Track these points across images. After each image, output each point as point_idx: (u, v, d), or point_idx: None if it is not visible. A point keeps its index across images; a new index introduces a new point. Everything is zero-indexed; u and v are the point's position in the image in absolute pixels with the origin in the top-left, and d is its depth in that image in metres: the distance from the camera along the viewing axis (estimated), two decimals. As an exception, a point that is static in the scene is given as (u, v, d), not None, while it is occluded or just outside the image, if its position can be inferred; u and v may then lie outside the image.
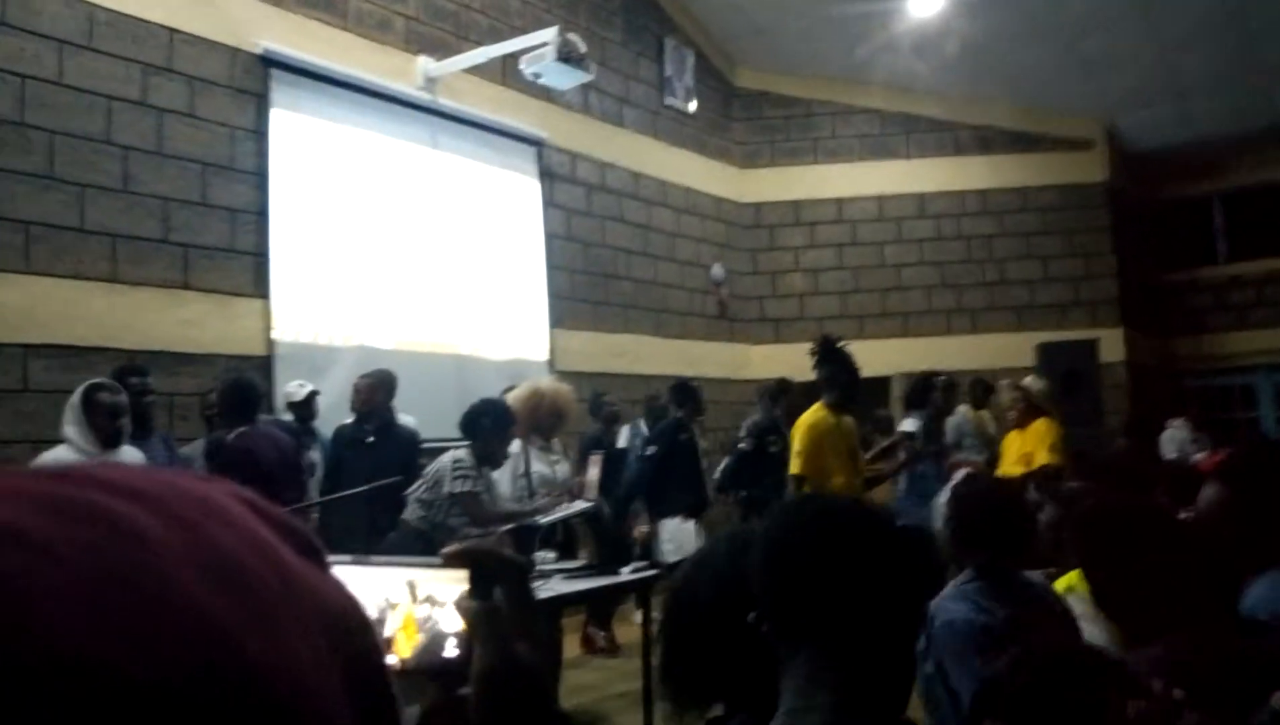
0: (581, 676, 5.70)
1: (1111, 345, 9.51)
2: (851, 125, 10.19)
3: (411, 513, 4.38)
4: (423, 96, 6.94)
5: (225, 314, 5.70)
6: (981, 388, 7.35)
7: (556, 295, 7.89)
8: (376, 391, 5.32)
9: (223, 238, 5.75)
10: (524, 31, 6.88)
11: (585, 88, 7.73)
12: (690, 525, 5.85)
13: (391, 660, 0.71)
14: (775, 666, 1.10)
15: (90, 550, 0.30)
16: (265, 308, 5.88)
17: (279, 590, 0.34)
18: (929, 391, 6.18)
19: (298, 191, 6.15)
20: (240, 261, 5.82)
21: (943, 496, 2.71)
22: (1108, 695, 1.12)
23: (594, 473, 5.12)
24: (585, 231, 8.31)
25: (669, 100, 9.32)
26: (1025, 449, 5.80)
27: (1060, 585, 2.36)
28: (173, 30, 5.60)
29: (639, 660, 4.64)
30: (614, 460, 6.21)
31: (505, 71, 7.36)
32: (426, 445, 5.41)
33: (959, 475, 3.25)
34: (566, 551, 5.22)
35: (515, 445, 4.78)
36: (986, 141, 10.14)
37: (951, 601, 2.21)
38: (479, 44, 7.05)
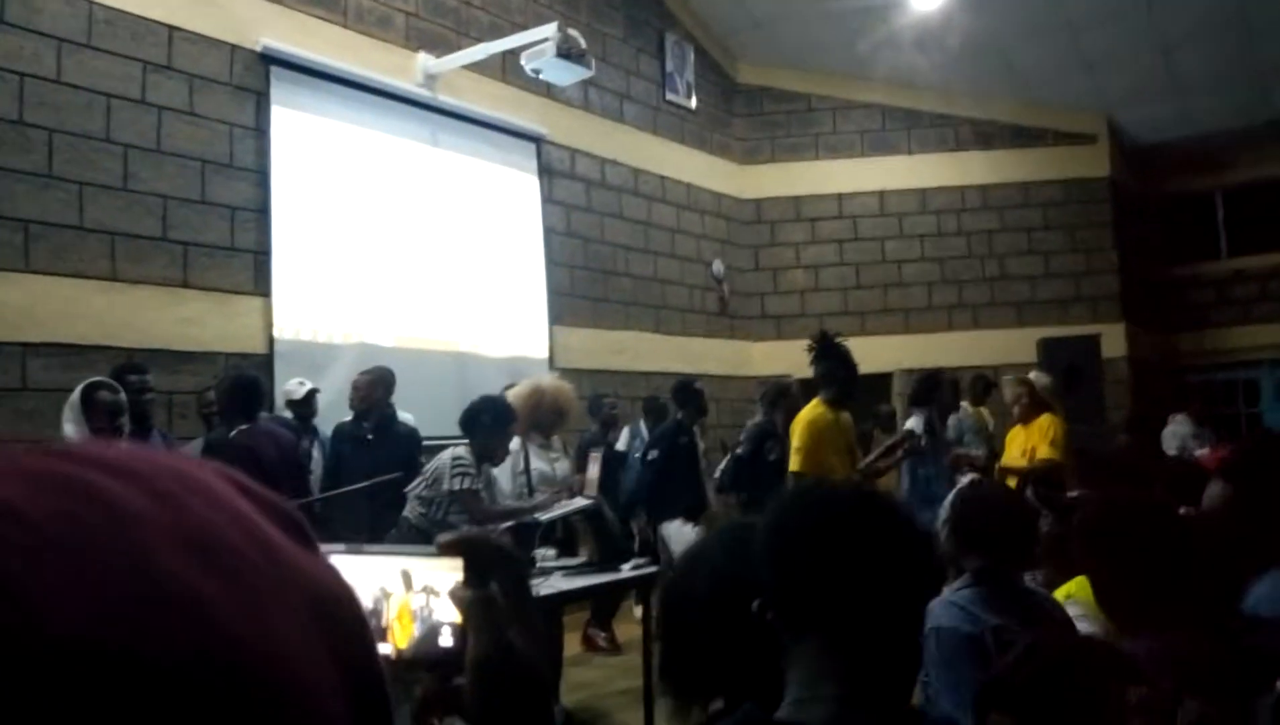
0: (583, 674, 5.70)
1: (1113, 341, 9.49)
2: (852, 120, 10.18)
3: (411, 510, 4.38)
4: (423, 93, 6.94)
5: (225, 312, 5.69)
6: (982, 384, 7.34)
7: (556, 292, 7.89)
8: (375, 389, 5.32)
9: (222, 236, 5.75)
10: (524, 27, 6.88)
11: (585, 84, 7.72)
12: (689, 528, 5.84)
13: (387, 649, 0.70)
14: (776, 658, 1.09)
15: (69, 522, 0.30)
16: (265, 305, 5.88)
17: (263, 567, 0.33)
18: (934, 389, 6.15)
19: (297, 189, 6.15)
20: (240, 259, 5.82)
21: (949, 499, 2.69)
22: (1109, 684, 1.11)
23: (594, 470, 5.11)
24: (585, 228, 8.31)
25: (669, 96, 9.31)
26: (1028, 444, 5.80)
27: (1061, 594, 2.35)
28: (172, 28, 5.60)
29: (639, 657, 4.64)
30: (613, 462, 6.21)
31: (505, 68, 7.36)
32: (427, 443, 5.41)
33: (964, 480, 3.23)
34: (567, 549, 5.21)
35: (515, 443, 4.78)
36: (988, 136, 10.13)
37: (942, 608, 2.19)
38: (479, 40, 7.05)
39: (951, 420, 6.49)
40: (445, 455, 4.41)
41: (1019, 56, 9.18)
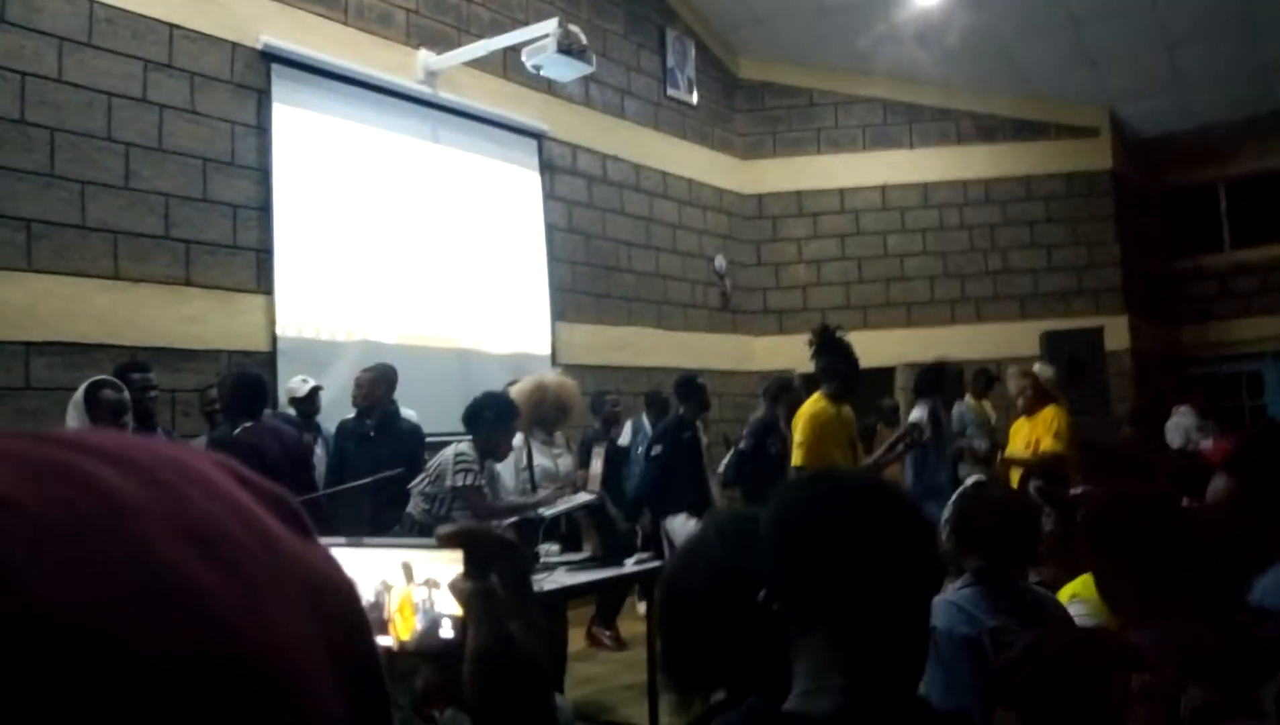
0: (587, 669, 5.71)
1: (1116, 333, 9.46)
2: (854, 115, 10.16)
3: (415, 506, 4.38)
4: (424, 90, 6.94)
5: (227, 310, 5.70)
6: (984, 378, 7.34)
7: (558, 288, 7.88)
8: (377, 385, 5.32)
9: (224, 234, 5.75)
10: (525, 24, 6.87)
11: (586, 80, 7.72)
12: (694, 523, 5.84)
13: (389, 641, 0.70)
14: (778, 649, 1.09)
15: (68, 511, 0.30)
16: (268, 303, 5.88)
17: (262, 558, 0.33)
18: (939, 379, 6.12)
19: (299, 187, 6.15)
20: (242, 257, 5.82)
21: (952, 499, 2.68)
22: (1113, 673, 1.11)
23: (597, 465, 5.12)
24: (587, 224, 8.30)
25: (671, 91, 9.30)
26: (1033, 436, 5.79)
27: (1066, 592, 2.34)
28: (173, 26, 5.60)
29: (644, 652, 4.64)
30: (616, 458, 6.20)
31: (506, 64, 7.35)
32: (430, 439, 5.42)
33: (969, 478, 3.21)
34: (571, 544, 5.22)
35: (518, 439, 4.78)
36: (990, 130, 10.10)
37: (941, 608, 2.17)
38: (480, 37, 7.04)
39: (956, 410, 6.48)
40: (448, 451, 4.41)
41: (1021, 50, 9.16)
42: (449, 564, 0.68)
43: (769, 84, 10.19)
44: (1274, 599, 1.89)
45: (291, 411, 5.39)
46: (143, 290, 5.33)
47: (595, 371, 7.69)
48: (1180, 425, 7.46)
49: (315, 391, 5.46)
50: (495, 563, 0.67)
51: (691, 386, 6.24)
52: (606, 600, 6.33)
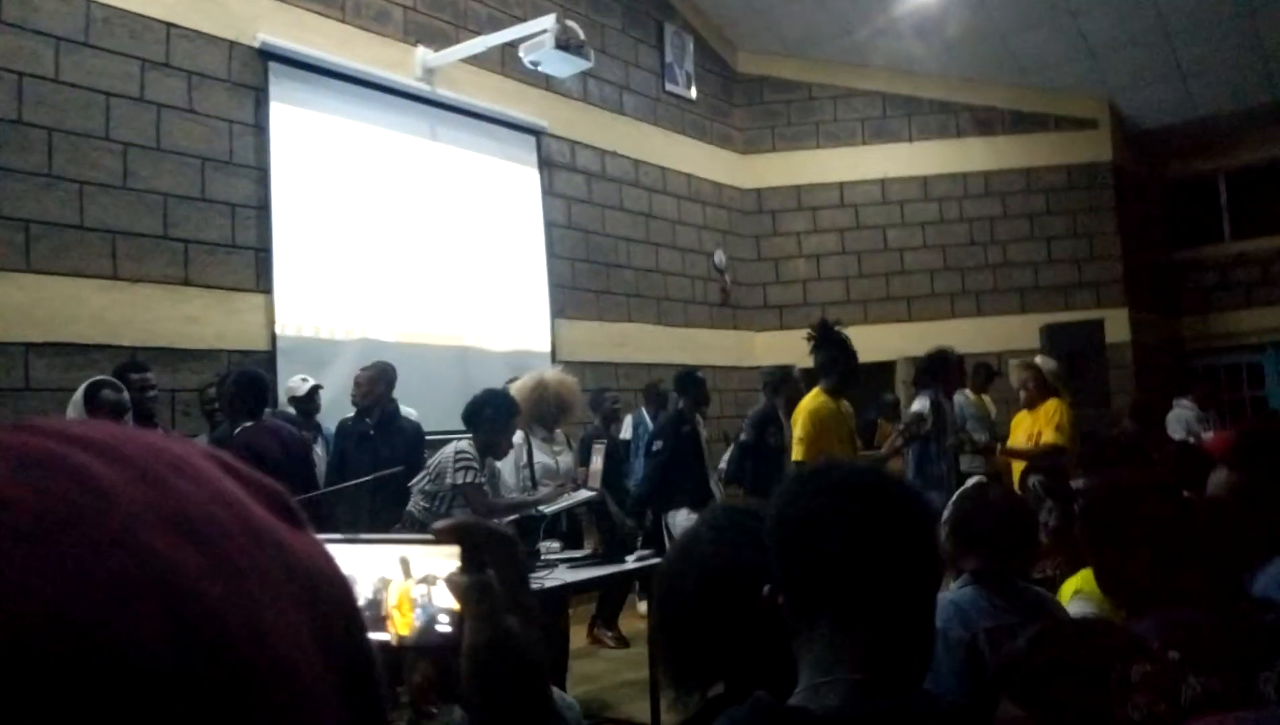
0: (589, 666, 5.72)
1: (1117, 326, 9.45)
2: (853, 108, 10.15)
3: (415, 504, 4.39)
4: (421, 87, 6.93)
5: (227, 309, 5.70)
6: (984, 372, 7.32)
7: (558, 285, 7.88)
8: (377, 383, 5.32)
9: (223, 233, 5.75)
10: (522, 20, 6.86)
11: (585, 75, 7.70)
12: (694, 518, 5.83)
13: (386, 636, 0.70)
14: (774, 642, 1.09)
15: (50, 500, 0.30)
16: (267, 302, 5.88)
17: (250, 547, 0.33)
18: (941, 368, 6.06)
19: (298, 185, 6.14)
20: (241, 256, 5.82)
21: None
22: (1115, 663, 1.11)
23: (597, 462, 5.11)
24: (586, 220, 8.30)
25: (669, 86, 9.29)
26: (1035, 428, 5.78)
27: (1068, 587, 2.33)
28: (170, 25, 5.59)
29: (645, 649, 4.64)
30: (616, 455, 6.19)
31: (504, 61, 7.34)
32: (430, 437, 5.42)
33: (971, 482, 3.20)
34: (572, 542, 5.22)
35: (518, 436, 4.78)
36: (989, 123, 10.09)
37: (939, 608, 2.16)
38: (477, 33, 7.03)
39: (955, 401, 6.46)
40: (448, 449, 4.41)
41: (1019, 42, 9.14)
42: (447, 559, 0.68)
43: (768, 78, 10.17)
44: (1276, 590, 1.89)
45: (291, 410, 5.39)
46: (141, 290, 5.32)
47: (595, 368, 7.69)
48: (1181, 417, 7.44)
49: (315, 390, 5.46)
50: (492, 556, 0.66)
51: (690, 380, 6.23)
52: (608, 601, 6.34)
